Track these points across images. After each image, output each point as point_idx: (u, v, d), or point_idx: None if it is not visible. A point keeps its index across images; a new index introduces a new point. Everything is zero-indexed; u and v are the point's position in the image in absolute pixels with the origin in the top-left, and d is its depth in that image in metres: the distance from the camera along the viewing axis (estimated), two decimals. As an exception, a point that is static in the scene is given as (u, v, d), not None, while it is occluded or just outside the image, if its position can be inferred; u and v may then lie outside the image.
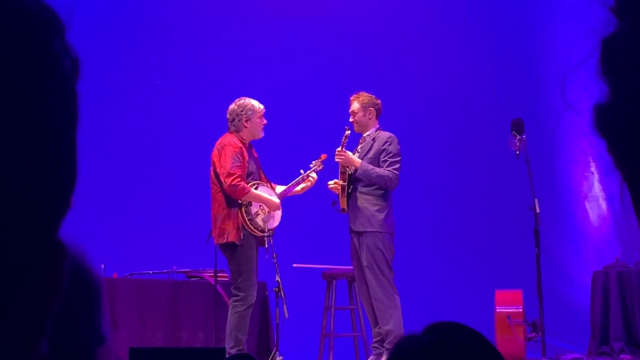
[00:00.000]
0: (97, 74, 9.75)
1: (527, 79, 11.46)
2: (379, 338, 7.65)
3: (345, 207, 7.72)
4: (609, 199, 11.19)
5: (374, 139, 7.76)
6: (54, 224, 0.62)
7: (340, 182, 7.73)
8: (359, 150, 7.82)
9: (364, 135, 7.84)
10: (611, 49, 0.82)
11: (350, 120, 7.83)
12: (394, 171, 7.62)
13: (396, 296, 7.56)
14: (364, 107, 7.78)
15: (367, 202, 7.62)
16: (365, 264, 7.51)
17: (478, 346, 1.49)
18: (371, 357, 7.68)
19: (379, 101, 7.86)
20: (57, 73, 0.61)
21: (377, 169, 7.61)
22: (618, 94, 0.81)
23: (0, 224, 0.58)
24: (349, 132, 7.76)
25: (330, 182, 7.82)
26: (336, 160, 7.74)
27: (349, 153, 7.72)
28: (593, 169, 11.35)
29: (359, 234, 7.60)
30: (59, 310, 0.63)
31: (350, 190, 7.70)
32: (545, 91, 11.33)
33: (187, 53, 11.37)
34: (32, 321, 0.61)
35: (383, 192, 7.64)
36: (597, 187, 11.33)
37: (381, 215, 7.58)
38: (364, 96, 7.84)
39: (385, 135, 7.77)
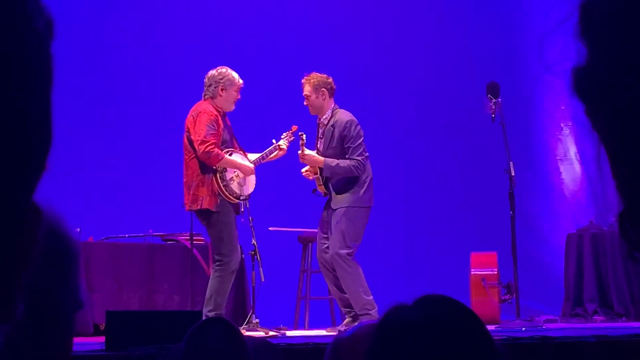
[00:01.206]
0: (69, 35, 9.66)
1: (503, 42, 11.45)
2: (349, 305, 7.70)
3: (326, 190, 7.76)
4: (583, 162, 11.24)
5: (333, 126, 7.71)
6: (28, 186, 0.61)
7: (313, 174, 7.75)
8: (321, 137, 7.80)
9: (322, 118, 7.80)
10: (588, 11, 0.82)
11: (305, 103, 7.79)
12: (357, 157, 7.61)
13: (356, 263, 7.59)
14: (316, 89, 7.71)
15: (345, 181, 7.66)
16: (333, 231, 7.56)
17: (466, 321, 1.49)
18: (347, 319, 7.72)
19: (330, 79, 7.77)
20: (30, 34, 0.60)
21: (340, 162, 7.60)
22: (595, 56, 0.80)
23: None
24: (304, 135, 7.71)
25: (303, 170, 7.83)
26: (300, 161, 7.74)
27: (311, 153, 7.71)
28: (567, 132, 11.39)
29: (334, 209, 7.65)
30: (34, 273, 0.63)
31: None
32: (520, 54, 11.34)
33: (161, 18, 11.28)
34: (7, 283, 0.61)
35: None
36: (571, 150, 11.39)
37: (360, 191, 7.62)
38: (315, 77, 7.75)
39: (343, 120, 7.68)
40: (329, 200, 7.78)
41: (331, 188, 7.73)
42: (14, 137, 0.59)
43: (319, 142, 7.83)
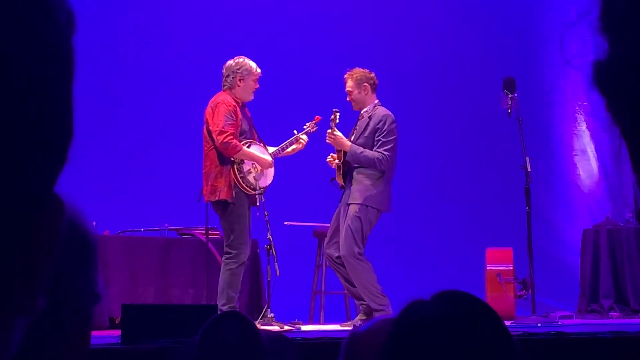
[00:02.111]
0: (85, 30, 9.68)
1: (520, 37, 11.42)
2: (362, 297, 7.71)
3: (343, 183, 7.74)
4: (600, 157, 11.20)
5: (370, 117, 7.73)
6: (51, 177, 0.62)
7: (336, 161, 7.74)
8: (357, 128, 7.81)
9: (362, 112, 7.82)
10: (610, 4, 0.81)
11: (348, 99, 7.81)
12: (384, 152, 7.59)
13: (366, 261, 7.59)
14: (358, 84, 7.75)
15: (363, 175, 7.64)
16: (344, 229, 7.55)
17: (484, 317, 1.49)
18: (360, 314, 7.73)
19: (372, 75, 7.81)
20: (52, 26, 0.61)
21: (366, 152, 7.59)
22: (618, 50, 0.80)
23: None
24: (338, 113, 7.72)
25: (329, 158, 7.83)
26: (327, 141, 7.74)
27: (339, 135, 7.70)
28: (584, 127, 11.35)
29: (348, 204, 7.64)
30: (55, 265, 0.63)
31: (348, 166, 7.72)
32: (536, 49, 11.30)
33: (177, 11, 11.29)
34: (29, 275, 0.61)
35: (383, 172, 7.66)
36: (588, 146, 11.34)
37: (375, 190, 7.60)
38: (357, 72, 7.79)
39: (380, 113, 7.72)
40: (344, 194, 7.77)
41: (349, 182, 7.71)
42: (36, 129, 0.59)
43: (352, 134, 7.82)
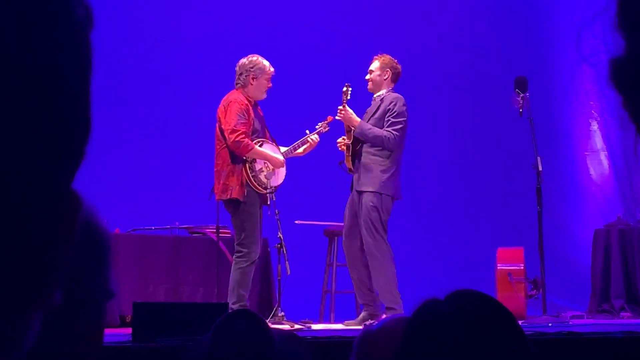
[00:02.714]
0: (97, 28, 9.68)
1: (532, 36, 11.40)
2: (368, 301, 7.69)
3: (352, 166, 7.71)
4: (611, 157, 11.18)
5: (382, 99, 7.75)
6: (68, 174, 0.62)
7: (346, 141, 7.73)
8: (368, 111, 7.81)
9: (375, 95, 7.83)
10: (628, 1, 0.81)
11: (366, 77, 7.82)
12: (393, 131, 7.59)
13: (390, 254, 7.57)
14: (383, 67, 7.79)
15: (373, 161, 7.61)
16: (362, 222, 7.52)
17: (498, 317, 1.48)
18: (362, 314, 7.73)
19: (399, 66, 7.86)
20: (70, 22, 0.61)
21: (375, 129, 7.60)
22: (635, 48, 0.80)
23: (16, 171, 0.57)
24: (350, 89, 7.74)
25: (339, 140, 7.82)
26: (337, 117, 7.74)
27: (350, 111, 7.71)
28: (595, 126, 11.32)
29: (360, 192, 7.60)
30: (71, 261, 0.63)
31: (357, 148, 7.69)
32: (549, 48, 11.28)
33: (190, 8, 11.30)
34: (46, 270, 0.61)
35: (390, 152, 7.63)
36: (599, 145, 11.32)
37: (385, 176, 7.57)
38: (386, 57, 7.87)
39: (391, 95, 7.76)
40: (353, 182, 7.71)
41: (357, 166, 7.67)
42: (54, 124, 0.59)
43: (365, 115, 7.82)
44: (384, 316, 7.19)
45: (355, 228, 7.63)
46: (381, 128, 7.63)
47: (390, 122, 7.62)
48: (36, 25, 0.58)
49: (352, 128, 7.69)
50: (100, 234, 0.99)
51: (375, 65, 7.83)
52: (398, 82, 7.93)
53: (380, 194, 7.55)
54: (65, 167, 0.61)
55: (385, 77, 7.79)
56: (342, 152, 7.81)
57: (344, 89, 7.74)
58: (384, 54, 7.90)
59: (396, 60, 7.88)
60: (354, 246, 7.65)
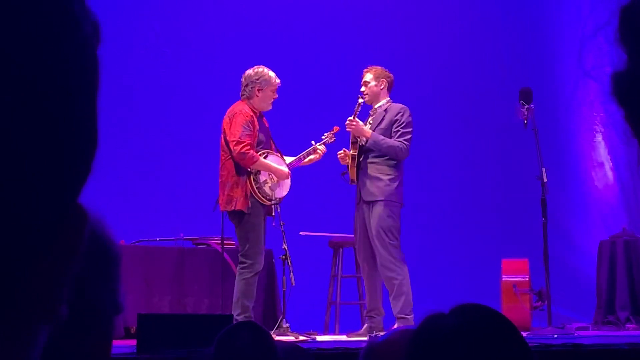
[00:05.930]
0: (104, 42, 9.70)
1: (537, 47, 11.40)
2: (375, 309, 7.69)
3: (355, 178, 7.71)
4: (616, 168, 11.17)
5: (385, 110, 7.76)
6: (75, 188, 0.62)
7: (351, 152, 7.73)
8: (371, 122, 7.82)
9: (375, 106, 7.84)
10: (629, 15, 0.81)
11: (362, 89, 7.83)
12: (405, 142, 7.63)
13: (405, 264, 7.57)
14: (378, 77, 7.82)
15: (379, 171, 7.62)
16: (374, 232, 7.50)
17: (503, 330, 1.49)
18: (366, 325, 7.72)
19: (391, 75, 7.90)
20: (78, 38, 0.61)
21: (388, 140, 7.62)
22: (636, 61, 0.80)
23: (23, 186, 0.58)
24: (362, 101, 7.77)
25: (340, 152, 7.81)
26: (347, 129, 7.74)
27: (361, 123, 7.72)
28: (600, 138, 11.32)
29: (369, 203, 7.59)
30: (78, 275, 0.63)
31: (360, 160, 7.70)
32: (553, 60, 11.29)
33: (194, 18, 11.33)
34: (52, 284, 0.61)
35: (395, 162, 7.64)
36: (604, 157, 11.31)
37: (394, 185, 7.59)
38: (378, 68, 7.91)
39: (397, 106, 7.78)
40: (359, 193, 7.70)
41: (361, 177, 7.67)
42: (61, 139, 0.60)
43: (367, 127, 7.82)
44: (395, 326, 7.19)
45: (367, 239, 7.63)
46: (388, 138, 7.65)
47: (400, 132, 7.65)
48: (44, 42, 0.59)
49: (360, 139, 7.70)
50: (109, 247, 1.00)
51: (369, 77, 7.85)
52: (404, 92, 7.95)
53: (391, 202, 7.56)
54: (71, 182, 0.61)
55: (382, 87, 7.82)
56: (342, 164, 7.82)
57: (360, 100, 7.76)
58: (374, 65, 7.92)
59: (387, 70, 7.92)
60: (369, 255, 7.65)
